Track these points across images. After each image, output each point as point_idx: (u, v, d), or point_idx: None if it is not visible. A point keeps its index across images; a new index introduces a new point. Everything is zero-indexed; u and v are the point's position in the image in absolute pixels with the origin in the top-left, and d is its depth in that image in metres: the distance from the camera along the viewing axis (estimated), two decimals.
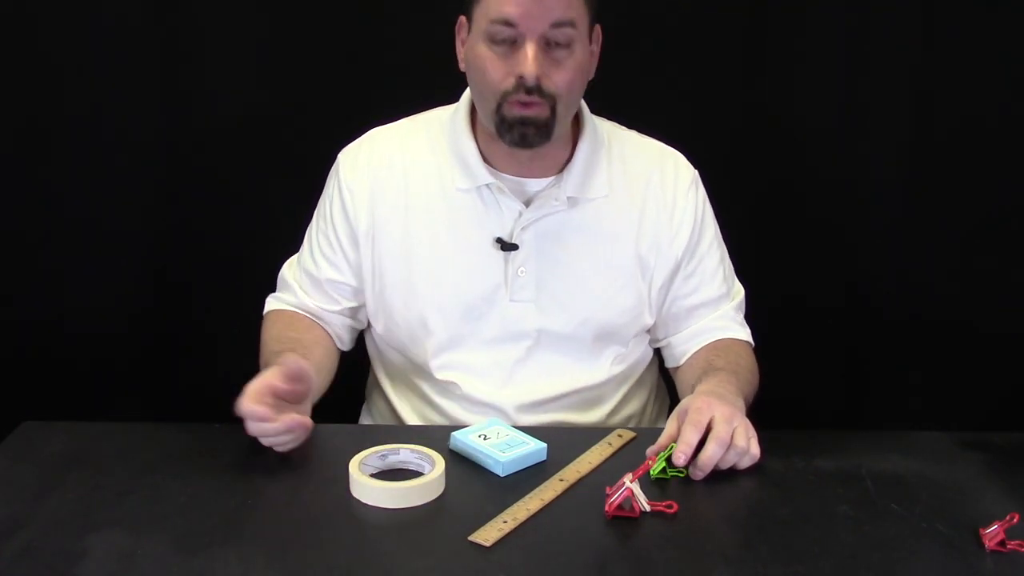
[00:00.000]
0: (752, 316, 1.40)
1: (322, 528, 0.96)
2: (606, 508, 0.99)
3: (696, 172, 1.36)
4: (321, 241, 1.33)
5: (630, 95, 1.53)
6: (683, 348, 1.37)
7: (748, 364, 1.32)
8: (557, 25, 1.15)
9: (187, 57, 1.71)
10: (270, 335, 1.33)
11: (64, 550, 0.91)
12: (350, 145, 1.35)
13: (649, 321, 1.35)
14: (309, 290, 1.35)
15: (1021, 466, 1.12)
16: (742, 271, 1.43)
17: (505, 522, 0.97)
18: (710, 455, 1.06)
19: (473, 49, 1.20)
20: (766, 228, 1.80)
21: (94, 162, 1.73)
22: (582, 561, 0.93)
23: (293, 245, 1.40)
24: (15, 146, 1.72)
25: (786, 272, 1.83)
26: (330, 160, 1.36)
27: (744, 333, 1.38)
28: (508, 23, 1.15)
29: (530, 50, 1.15)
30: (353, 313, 1.36)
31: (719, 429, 1.08)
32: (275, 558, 0.91)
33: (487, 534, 0.95)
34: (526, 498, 1.02)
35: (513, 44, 1.16)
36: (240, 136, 1.74)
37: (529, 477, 1.07)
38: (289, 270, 1.39)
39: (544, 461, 1.11)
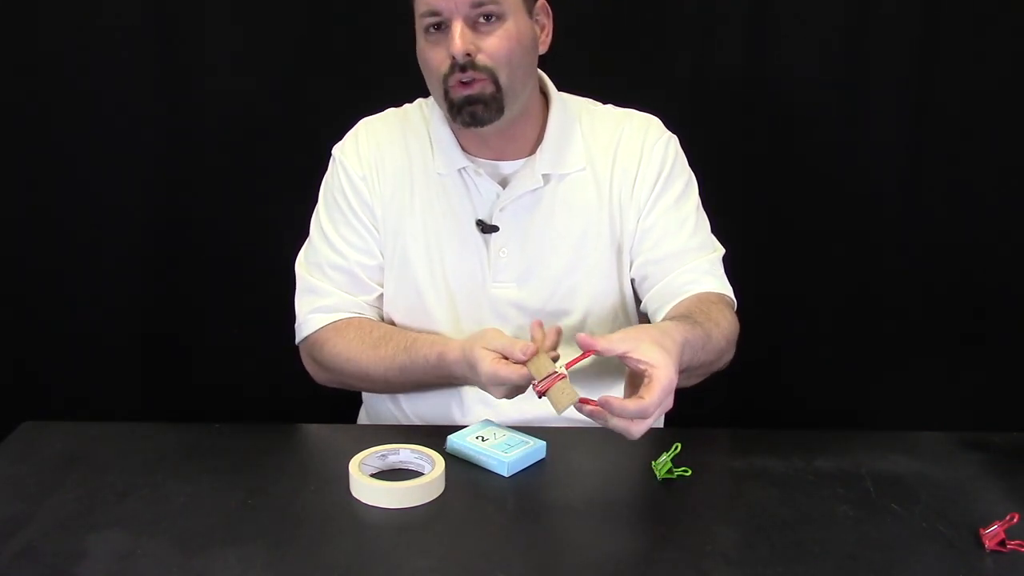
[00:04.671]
0: (751, 315, 1.40)
1: (322, 528, 0.96)
2: (538, 388, 1.03)
3: (671, 134, 1.35)
4: (344, 232, 1.32)
5: (628, 76, 1.54)
6: (658, 304, 1.30)
7: (726, 329, 1.23)
8: (477, 5, 1.19)
9: (184, 58, 1.71)
10: (359, 347, 1.28)
11: (64, 550, 0.91)
12: (344, 139, 1.36)
13: (629, 289, 1.34)
14: (344, 285, 1.32)
15: (1021, 466, 1.12)
16: (740, 271, 1.43)
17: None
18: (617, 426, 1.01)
19: (418, 45, 1.25)
20: (764, 229, 1.80)
21: (93, 163, 1.73)
22: (582, 561, 0.93)
23: (294, 245, 1.40)
24: (15, 146, 1.72)
25: (786, 271, 1.83)
26: (325, 157, 1.37)
27: (722, 286, 1.31)
28: (434, 12, 1.19)
29: (455, 31, 1.19)
30: (381, 302, 1.35)
31: (643, 419, 1.00)
32: (275, 558, 0.91)
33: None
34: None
35: (446, 31, 1.20)
36: (239, 136, 1.74)
37: (529, 475, 1.07)
38: (313, 277, 1.34)
39: (544, 459, 1.11)
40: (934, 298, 1.85)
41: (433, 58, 1.22)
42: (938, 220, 1.82)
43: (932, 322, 1.86)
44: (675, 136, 1.36)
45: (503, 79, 1.22)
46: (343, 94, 1.68)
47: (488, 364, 1.10)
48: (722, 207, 1.40)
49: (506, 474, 1.07)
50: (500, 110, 1.23)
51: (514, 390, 1.12)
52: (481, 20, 1.20)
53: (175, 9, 1.69)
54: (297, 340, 1.35)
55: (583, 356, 1.06)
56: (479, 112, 1.22)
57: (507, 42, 1.21)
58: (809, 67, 1.76)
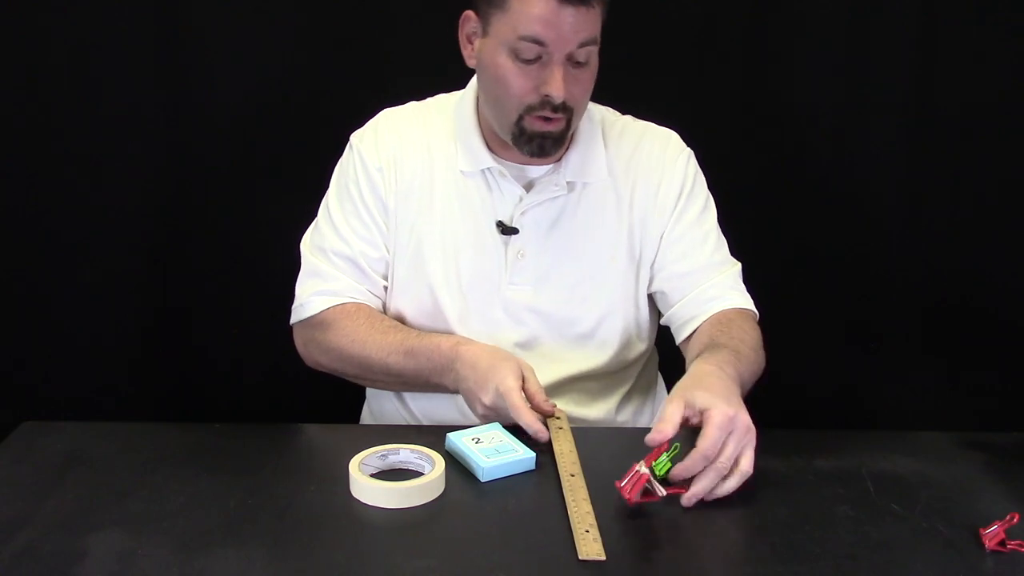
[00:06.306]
0: None
1: (322, 528, 0.96)
2: (627, 497, 0.97)
3: (690, 150, 1.37)
4: (352, 222, 1.32)
5: (631, 86, 1.54)
6: (684, 319, 1.32)
7: (751, 341, 1.27)
8: (582, 45, 1.17)
9: (187, 54, 1.71)
10: (368, 329, 1.28)
11: (64, 550, 0.91)
12: (364, 128, 1.36)
13: (643, 303, 1.35)
14: (348, 272, 1.32)
15: (1021, 466, 1.12)
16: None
17: (587, 531, 0.95)
18: (704, 486, 1.00)
19: (493, 57, 1.20)
20: (764, 231, 1.80)
21: (94, 162, 1.73)
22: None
23: (296, 245, 1.39)
24: (15, 146, 1.72)
25: (786, 272, 1.83)
26: (331, 155, 1.36)
27: (746, 301, 1.34)
28: (538, 42, 1.16)
29: (558, 71, 1.17)
30: (384, 294, 1.35)
31: (739, 461, 1.01)
32: (275, 558, 0.91)
33: (591, 548, 0.92)
34: (574, 503, 1.00)
35: (538, 60, 1.17)
36: (241, 133, 1.74)
37: (529, 475, 1.07)
38: (318, 260, 1.33)
39: (532, 470, 1.08)
40: (934, 299, 1.85)
41: (519, 85, 1.19)
42: (939, 222, 1.82)
43: (933, 322, 1.86)
44: (692, 151, 1.37)
45: (575, 119, 1.23)
46: (350, 93, 1.67)
47: (511, 381, 1.13)
48: (723, 214, 1.40)
49: (482, 479, 1.05)
50: (563, 143, 1.25)
51: (498, 417, 1.15)
52: (575, 61, 1.18)
53: (182, 5, 1.68)
54: (293, 320, 1.35)
55: (658, 452, 1.01)
56: (548, 146, 1.23)
57: (590, 84, 1.22)
58: (810, 80, 1.77)
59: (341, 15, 1.70)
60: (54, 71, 1.68)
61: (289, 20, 1.70)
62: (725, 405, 1.02)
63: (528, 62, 1.17)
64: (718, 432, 1.00)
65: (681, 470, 1.01)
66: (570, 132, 1.24)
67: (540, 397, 1.16)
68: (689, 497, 1.00)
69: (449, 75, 1.35)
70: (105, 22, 1.67)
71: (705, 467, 1.00)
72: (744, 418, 1.03)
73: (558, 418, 1.18)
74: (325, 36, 1.71)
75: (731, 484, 1.01)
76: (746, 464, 1.02)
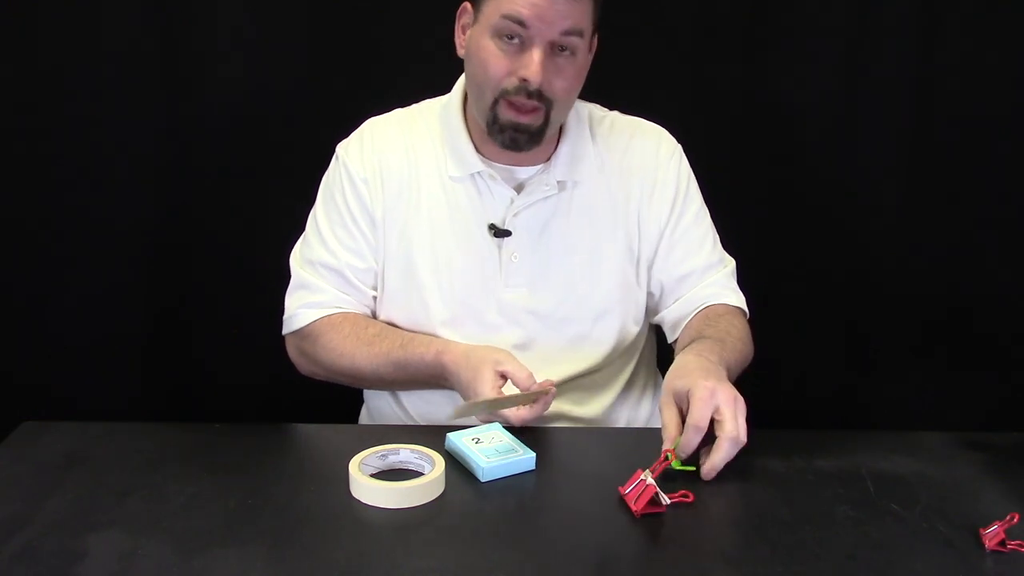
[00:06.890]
0: (752, 316, 1.40)
1: (322, 528, 0.96)
2: (633, 509, 0.98)
3: (679, 146, 1.37)
4: (339, 233, 1.32)
5: (629, 85, 1.55)
6: (677, 319, 1.35)
7: (739, 332, 1.29)
8: (566, 33, 1.16)
9: (184, 61, 1.70)
10: (354, 342, 1.28)
11: (64, 550, 0.91)
12: (349, 138, 1.36)
13: (641, 300, 1.36)
14: (336, 284, 1.32)
15: (1021, 466, 1.12)
16: (741, 274, 1.43)
17: None
18: (722, 457, 1.05)
19: (477, 41, 1.20)
20: (764, 233, 1.80)
21: (94, 162, 1.73)
22: (581, 561, 0.93)
23: (292, 246, 1.39)
24: (15, 146, 1.72)
25: (786, 273, 1.83)
26: (326, 157, 1.36)
27: (736, 299, 1.36)
28: (520, 23, 1.15)
29: (537, 55, 1.16)
30: (372, 304, 1.35)
31: (727, 427, 1.04)
32: (275, 558, 0.91)
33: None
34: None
35: (520, 43, 1.17)
36: (240, 138, 1.74)
37: (529, 475, 1.07)
38: (306, 272, 1.34)
39: (532, 470, 1.08)
40: (934, 298, 1.85)
41: (498, 67, 1.18)
42: (938, 223, 1.82)
43: (932, 322, 1.86)
44: (680, 146, 1.37)
45: (554, 114, 1.21)
46: (349, 94, 1.68)
47: (490, 394, 1.13)
48: (723, 215, 1.41)
49: (482, 479, 1.05)
50: (539, 140, 1.23)
51: (498, 418, 1.15)
52: (558, 50, 1.17)
53: (181, 8, 1.68)
54: (284, 331, 1.36)
55: (665, 463, 1.04)
56: (521, 140, 1.22)
57: (574, 80, 1.21)
58: (810, 82, 1.76)
59: (338, 18, 1.70)
60: (53, 75, 1.68)
61: (286, 25, 1.70)
62: (704, 380, 1.06)
63: (509, 42, 1.17)
64: (702, 404, 1.04)
65: (684, 444, 1.04)
66: (548, 128, 1.23)
67: (525, 385, 1.14)
68: (708, 471, 1.04)
69: (439, 80, 1.35)
70: (103, 26, 1.67)
71: (719, 439, 1.04)
72: (726, 389, 1.07)
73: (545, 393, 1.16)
74: (323, 38, 1.71)
75: (724, 451, 1.05)
76: (738, 430, 1.05)
